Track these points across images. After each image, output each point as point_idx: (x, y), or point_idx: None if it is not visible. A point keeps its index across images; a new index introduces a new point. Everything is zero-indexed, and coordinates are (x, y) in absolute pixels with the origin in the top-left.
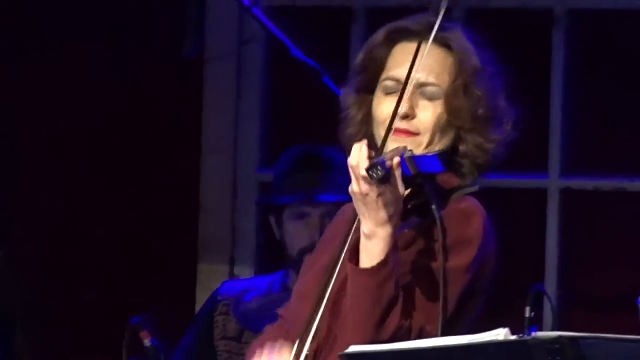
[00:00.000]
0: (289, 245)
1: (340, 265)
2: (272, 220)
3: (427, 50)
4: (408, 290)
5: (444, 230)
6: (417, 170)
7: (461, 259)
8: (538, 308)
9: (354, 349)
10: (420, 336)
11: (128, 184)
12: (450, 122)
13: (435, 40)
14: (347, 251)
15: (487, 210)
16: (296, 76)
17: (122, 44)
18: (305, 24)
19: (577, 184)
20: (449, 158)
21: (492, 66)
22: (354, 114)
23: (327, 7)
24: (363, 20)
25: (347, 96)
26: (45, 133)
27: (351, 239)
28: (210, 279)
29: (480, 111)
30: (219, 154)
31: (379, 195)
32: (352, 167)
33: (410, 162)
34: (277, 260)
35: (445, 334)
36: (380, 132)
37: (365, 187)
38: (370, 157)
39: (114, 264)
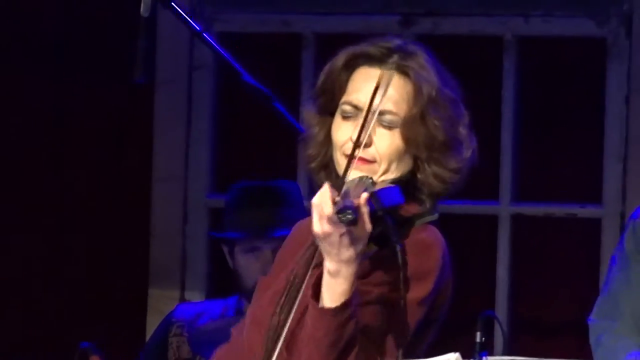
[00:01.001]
0: (243, 277)
1: (300, 297)
2: (225, 250)
3: (386, 79)
4: (363, 322)
5: (405, 264)
6: (381, 206)
7: (417, 292)
8: (488, 333)
9: None
10: None
11: (77, 208)
12: (407, 151)
13: (395, 68)
14: (308, 286)
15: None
16: (246, 102)
17: (71, 68)
18: (255, 50)
19: (527, 210)
20: (406, 187)
21: (453, 92)
22: (315, 133)
23: (277, 34)
24: (312, 46)
25: (310, 115)
26: None
27: (311, 271)
28: (160, 304)
29: (437, 140)
30: (169, 179)
31: (342, 235)
32: (315, 206)
33: (374, 198)
34: (227, 285)
35: None
36: (337, 157)
37: (327, 228)
38: (333, 200)
39: (65, 289)
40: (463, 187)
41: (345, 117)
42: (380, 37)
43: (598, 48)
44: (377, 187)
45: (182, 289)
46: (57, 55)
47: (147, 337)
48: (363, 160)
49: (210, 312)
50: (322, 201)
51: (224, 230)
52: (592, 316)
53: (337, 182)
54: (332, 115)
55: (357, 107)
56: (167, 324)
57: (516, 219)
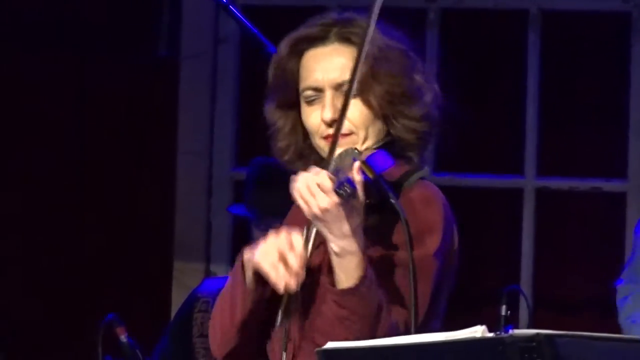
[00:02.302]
0: None
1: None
2: (253, 224)
3: (332, 53)
4: (386, 288)
5: (407, 222)
6: (374, 173)
7: (430, 245)
8: (513, 307)
9: (331, 345)
10: (407, 329)
11: (103, 183)
12: (374, 112)
13: (338, 39)
14: (321, 274)
15: (463, 211)
16: None
17: (96, 42)
18: (280, 22)
19: (552, 184)
20: (391, 147)
21: (400, 44)
22: (281, 126)
23: (301, 6)
24: None
25: (271, 111)
26: (19, 134)
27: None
28: (185, 277)
29: (395, 93)
30: (194, 153)
31: (340, 209)
32: (302, 190)
33: (365, 166)
34: None
35: (427, 317)
36: (316, 142)
37: (325, 204)
38: (329, 176)
39: (92, 261)
40: (488, 161)
41: (310, 102)
42: (316, 16)
43: (623, 23)
44: (364, 156)
45: (207, 261)
46: (83, 30)
47: (172, 310)
48: (341, 135)
49: None
50: (319, 179)
51: (245, 204)
52: (619, 280)
53: (323, 164)
54: (293, 106)
55: (317, 89)
56: (192, 299)
57: (541, 193)
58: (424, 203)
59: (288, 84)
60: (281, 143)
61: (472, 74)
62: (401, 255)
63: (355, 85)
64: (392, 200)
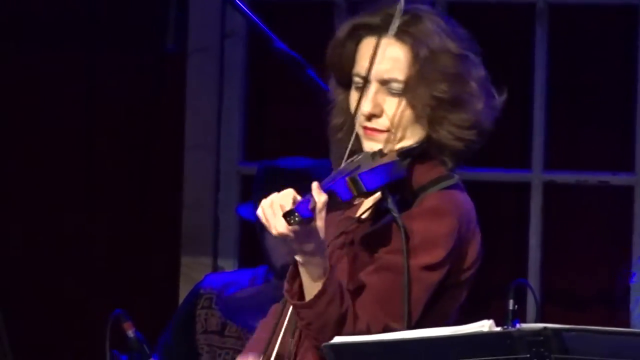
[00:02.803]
0: (271, 256)
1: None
2: (257, 226)
3: (385, 47)
4: (372, 289)
5: (407, 234)
6: (362, 190)
7: (427, 258)
8: (521, 301)
9: (337, 339)
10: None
11: (111, 177)
12: (417, 114)
13: (395, 35)
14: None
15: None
16: (278, 69)
17: (103, 36)
18: (287, 17)
19: (559, 177)
20: (428, 150)
21: (461, 48)
22: (339, 102)
23: (308, 1)
24: (344, 12)
25: (333, 87)
26: (24, 130)
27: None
28: (193, 272)
29: (442, 99)
30: (201, 147)
31: (296, 232)
32: (265, 209)
33: (353, 183)
34: (259, 252)
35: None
36: (357, 128)
37: (280, 228)
38: (294, 199)
39: (98, 256)
40: (495, 154)
41: (357, 89)
42: (385, 2)
43: (630, 15)
44: (380, 162)
45: (215, 256)
46: (89, 24)
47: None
48: (377, 130)
49: (239, 281)
50: (282, 201)
51: (254, 207)
52: (634, 278)
53: (354, 154)
54: (350, 85)
55: (364, 78)
56: (194, 295)
57: (548, 186)
58: (435, 215)
59: (343, 65)
60: (336, 119)
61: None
62: (398, 260)
63: (372, 86)
64: (394, 215)
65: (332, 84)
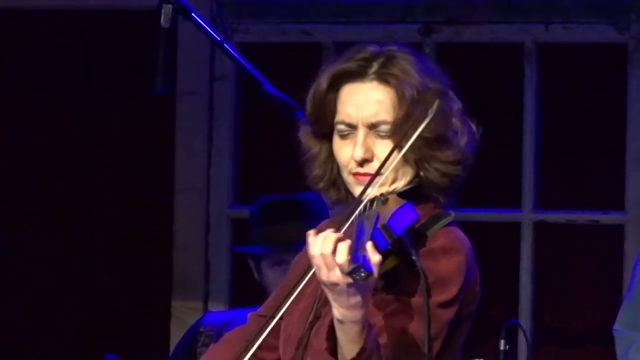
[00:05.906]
0: (270, 290)
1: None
2: (252, 264)
3: (368, 91)
4: (393, 333)
5: (425, 275)
6: (394, 237)
7: (441, 296)
8: (512, 341)
9: None
10: None
11: (100, 219)
12: (406, 154)
13: (377, 78)
14: (319, 332)
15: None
16: (268, 112)
17: (93, 79)
18: (276, 60)
19: (550, 217)
20: (419, 189)
21: (440, 85)
22: (317, 153)
23: (297, 43)
24: (333, 55)
25: (307, 138)
26: (22, 169)
27: (321, 315)
28: (184, 315)
29: (429, 137)
30: (191, 190)
31: (350, 285)
32: (316, 257)
33: (386, 231)
34: (250, 295)
35: None
36: (345, 176)
37: (335, 279)
38: (349, 248)
39: (88, 300)
40: (485, 195)
41: (343, 136)
42: (356, 47)
43: (619, 54)
44: (389, 209)
45: (206, 299)
46: (80, 67)
47: (171, 348)
48: (368, 175)
49: (238, 319)
50: (338, 255)
51: (250, 244)
52: (617, 325)
53: (348, 201)
54: (328, 135)
55: (350, 125)
56: (194, 332)
57: (539, 226)
58: (444, 252)
59: (326, 116)
60: (316, 171)
61: (469, 108)
62: (415, 301)
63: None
64: (414, 257)
65: (306, 136)
